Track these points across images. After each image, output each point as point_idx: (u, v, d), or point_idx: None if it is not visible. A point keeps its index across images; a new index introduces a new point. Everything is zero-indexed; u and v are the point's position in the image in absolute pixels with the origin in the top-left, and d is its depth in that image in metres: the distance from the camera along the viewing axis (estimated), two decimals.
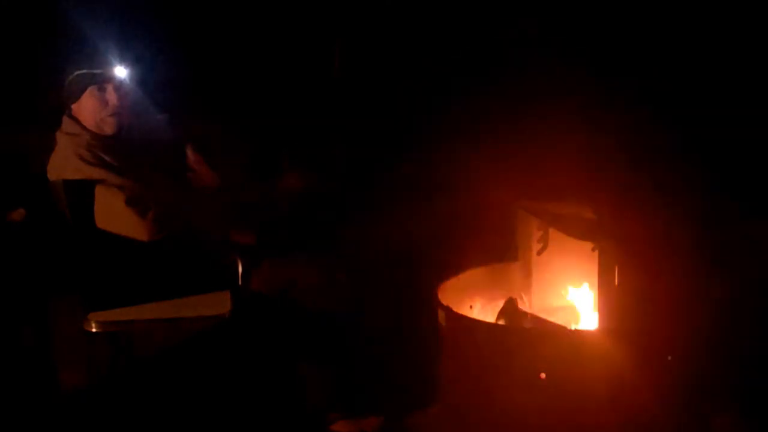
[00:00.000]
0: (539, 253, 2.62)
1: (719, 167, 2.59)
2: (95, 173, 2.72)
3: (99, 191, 2.70)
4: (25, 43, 3.62)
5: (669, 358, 2.30)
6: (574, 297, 2.57)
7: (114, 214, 2.69)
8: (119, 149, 2.80)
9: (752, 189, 2.65)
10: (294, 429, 2.73)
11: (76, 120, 2.81)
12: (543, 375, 2.23)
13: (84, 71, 2.77)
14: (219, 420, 2.75)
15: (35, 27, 3.65)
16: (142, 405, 2.79)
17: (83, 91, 2.77)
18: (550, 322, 2.50)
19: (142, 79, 2.91)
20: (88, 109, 2.79)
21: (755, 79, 2.73)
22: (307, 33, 3.93)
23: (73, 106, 2.81)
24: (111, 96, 2.78)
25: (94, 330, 2.73)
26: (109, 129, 2.80)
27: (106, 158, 2.75)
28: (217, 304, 2.72)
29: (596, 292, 2.35)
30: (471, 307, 2.60)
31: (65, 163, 2.75)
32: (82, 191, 2.70)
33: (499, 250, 2.69)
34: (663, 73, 2.78)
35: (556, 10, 3.08)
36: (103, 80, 2.78)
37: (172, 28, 3.80)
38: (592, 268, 2.32)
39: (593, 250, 2.32)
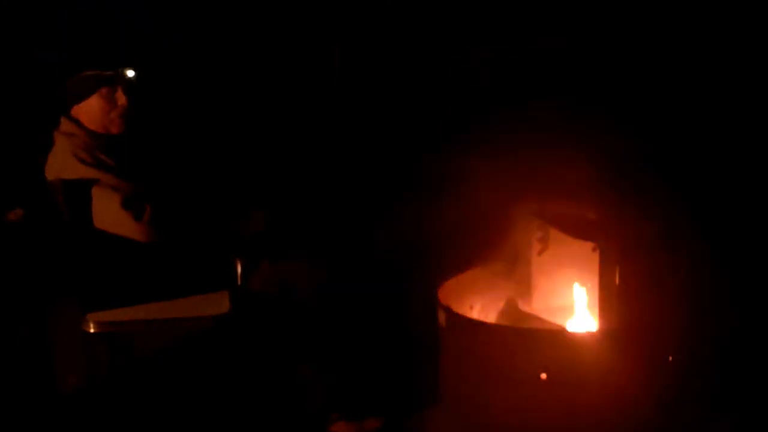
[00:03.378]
0: (539, 253, 2.61)
1: (722, 171, 2.59)
2: (93, 173, 2.72)
3: (96, 191, 2.70)
4: (23, 42, 3.62)
5: (670, 358, 2.29)
6: (574, 297, 2.56)
7: (111, 214, 2.69)
8: (117, 149, 2.80)
9: (753, 194, 2.64)
10: (293, 430, 2.73)
11: (74, 120, 2.81)
12: (543, 375, 2.22)
13: (95, 72, 2.79)
14: (218, 421, 2.74)
15: (34, 26, 3.64)
16: (141, 405, 2.79)
17: (93, 91, 2.79)
18: (551, 323, 2.49)
19: (142, 80, 2.92)
20: (96, 109, 2.80)
21: (753, 88, 2.73)
22: (306, 33, 3.93)
23: (75, 107, 2.81)
24: (121, 97, 2.80)
25: (92, 330, 2.72)
26: (115, 129, 2.82)
27: (104, 158, 2.76)
28: (216, 304, 2.71)
29: (597, 292, 2.34)
30: (471, 307, 2.59)
31: (63, 163, 2.75)
32: (79, 191, 2.69)
33: (499, 250, 2.68)
34: (668, 78, 2.78)
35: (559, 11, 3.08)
36: (114, 81, 2.80)
37: (177, 31, 3.80)
38: (593, 268, 2.32)
39: (594, 250, 2.32)
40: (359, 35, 3.85)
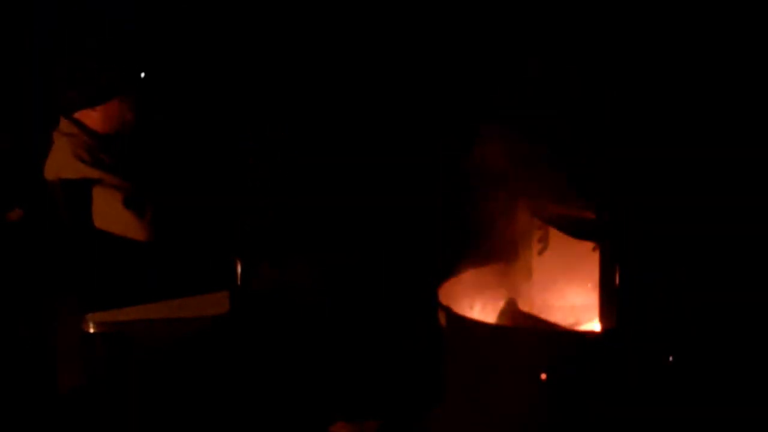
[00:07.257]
0: (539, 253, 2.61)
1: (721, 170, 2.58)
2: (93, 173, 2.72)
3: (96, 191, 2.70)
4: (20, 43, 3.62)
5: (670, 358, 2.29)
6: (574, 297, 2.56)
7: (112, 214, 2.69)
8: (117, 149, 2.80)
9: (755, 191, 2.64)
10: (293, 430, 2.73)
11: (74, 121, 2.81)
12: (544, 376, 2.22)
13: (109, 76, 2.79)
14: (218, 421, 2.74)
15: (32, 27, 3.64)
16: (141, 406, 2.79)
17: (115, 92, 2.78)
18: (551, 323, 2.49)
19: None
20: (117, 110, 2.80)
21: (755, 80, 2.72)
22: (304, 28, 3.93)
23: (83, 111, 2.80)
24: (128, 112, 2.81)
25: (91, 330, 2.73)
26: (128, 130, 2.83)
27: (104, 158, 2.75)
28: (216, 304, 2.71)
29: (597, 292, 2.33)
30: (471, 307, 2.59)
31: (63, 162, 2.75)
32: (79, 191, 2.69)
33: (499, 250, 2.67)
34: (666, 74, 2.77)
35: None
36: (137, 83, 2.81)
37: (173, 31, 3.80)
38: (593, 268, 2.31)
39: (594, 249, 2.31)
40: (364, 31, 3.85)
